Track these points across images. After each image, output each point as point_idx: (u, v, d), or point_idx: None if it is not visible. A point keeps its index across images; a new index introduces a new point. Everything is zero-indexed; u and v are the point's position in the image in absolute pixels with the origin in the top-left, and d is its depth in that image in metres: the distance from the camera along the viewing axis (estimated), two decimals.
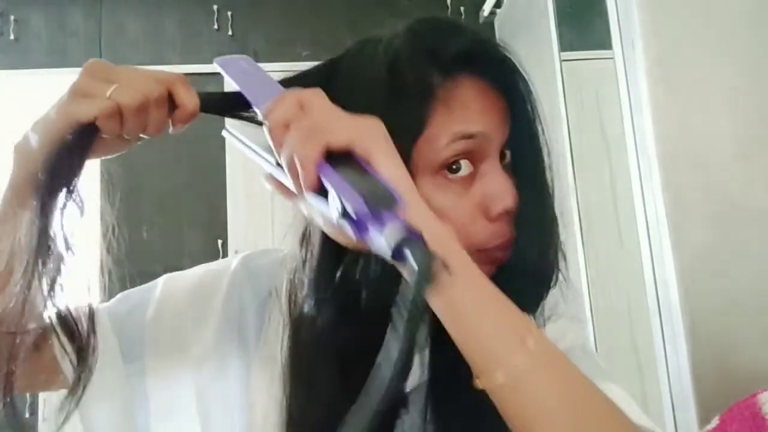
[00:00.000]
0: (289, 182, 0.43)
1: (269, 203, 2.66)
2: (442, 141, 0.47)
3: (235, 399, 0.56)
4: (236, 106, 0.49)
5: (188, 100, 0.46)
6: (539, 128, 0.53)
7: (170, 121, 0.48)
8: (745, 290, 1.11)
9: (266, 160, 0.46)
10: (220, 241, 2.64)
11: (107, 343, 0.58)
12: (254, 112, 0.48)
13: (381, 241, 0.38)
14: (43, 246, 0.44)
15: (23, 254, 0.45)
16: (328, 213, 0.41)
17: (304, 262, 0.53)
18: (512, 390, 0.39)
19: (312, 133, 0.41)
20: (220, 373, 0.57)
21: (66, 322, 0.51)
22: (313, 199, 0.42)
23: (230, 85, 0.51)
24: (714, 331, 1.11)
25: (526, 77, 0.52)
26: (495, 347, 0.40)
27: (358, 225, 0.40)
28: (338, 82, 0.50)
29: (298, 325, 0.54)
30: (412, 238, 0.37)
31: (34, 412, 2.40)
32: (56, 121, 0.46)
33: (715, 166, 1.18)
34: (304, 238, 0.54)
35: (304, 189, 0.41)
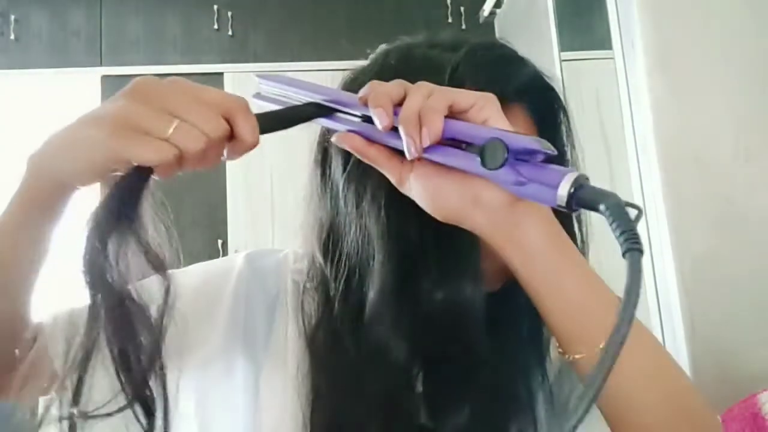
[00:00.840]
0: (396, 141, 0.43)
1: (269, 203, 2.66)
2: None
3: (241, 401, 0.56)
4: (290, 121, 0.47)
5: (249, 133, 0.41)
6: (570, 155, 0.55)
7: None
8: (745, 290, 1.11)
9: (347, 118, 0.46)
10: (220, 241, 2.64)
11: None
12: (308, 120, 0.47)
13: (552, 187, 0.38)
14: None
15: (25, 268, 0.45)
16: (463, 165, 0.41)
17: (334, 276, 0.53)
18: (585, 369, 0.42)
19: (436, 92, 0.42)
20: (227, 375, 0.57)
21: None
22: (436, 155, 0.42)
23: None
24: (714, 332, 1.11)
25: (566, 108, 0.55)
26: (585, 323, 0.42)
27: (517, 173, 0.40)
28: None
29: (318, 340, 0.53)
30: (586, 184, 0.38)
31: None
32: (105, 159, 0.40)
33: (715, 166, 1.18)
34: (328, 249, 0.54)
35: (428, 140, 0.41)
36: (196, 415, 0.56)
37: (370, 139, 0.45)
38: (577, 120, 0.56)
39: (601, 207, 0.36)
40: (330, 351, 0.51)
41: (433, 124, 0.40)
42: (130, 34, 2.86)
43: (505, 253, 0.44)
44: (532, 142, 0.40)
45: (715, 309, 1.12)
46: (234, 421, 0.55)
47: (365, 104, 0.44)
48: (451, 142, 0.42)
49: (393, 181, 0.46)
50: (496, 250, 0.44)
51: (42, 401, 0.54)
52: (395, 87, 0.43)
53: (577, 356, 0.42)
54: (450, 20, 2.86)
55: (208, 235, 2.65)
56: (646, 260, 1.27)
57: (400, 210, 0.48)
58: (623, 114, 1.35)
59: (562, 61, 1.85)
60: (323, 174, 0.55)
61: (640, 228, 1.32)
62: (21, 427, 0.49)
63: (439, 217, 0.45)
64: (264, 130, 0.43)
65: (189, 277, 0.62)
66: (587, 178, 0.39)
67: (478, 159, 0.40)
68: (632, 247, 0.32)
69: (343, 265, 0.52)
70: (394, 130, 0.43)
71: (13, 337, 0.50)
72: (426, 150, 0.42)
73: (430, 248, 0.48)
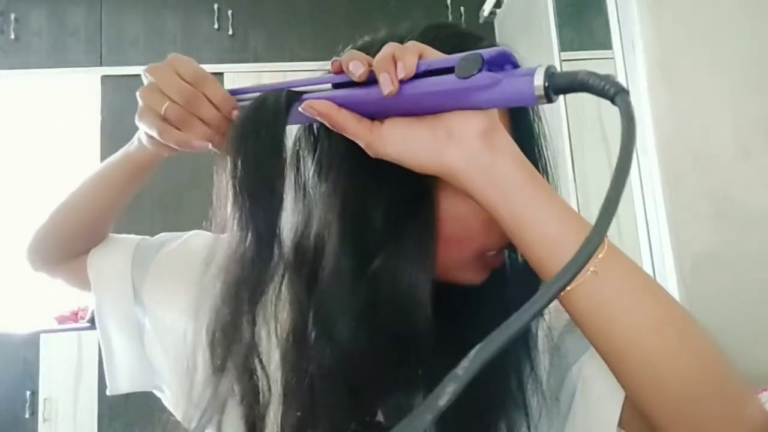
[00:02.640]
0: (368, 91, 0.44)
1: None
2: None
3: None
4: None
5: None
6: (542, 137, 0.54)
7: None
8: (745, 290, 1.11)
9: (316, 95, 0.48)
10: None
11: (124, 269, 0.65)
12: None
13: (527, 81, 0.41)
14: None
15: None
16: (440, 85, 0.43)
17: (301, 268, 0.53)
18: (586, 297, 0.42)
19: (407, 43, 0.44)
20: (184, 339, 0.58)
21: None
22: (412, 87, 0.43)
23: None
24: (713, 331, 1.11)
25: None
26: (566, 252, 0.41)
27: (493, 76, 0.42)
28: None
29: (286, 336, 0.52)
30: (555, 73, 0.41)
31: (33, 412, 2.40)
32: None
33: (714, 165, 1.18)
34: (299, 250, 0.54)
35: (404, 72, 0.42)
36: (175, 360, 0.59)
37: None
38: (578, 120, 0.55)
39: (579, 79, 0.40)
40: (296, 346, 0.51)
41: (407, 59, 0.42)
42: (130, 34, 2.86)
43: (481, 188, 0.43)
44: (502, 50, 0.42)
45: (715, 308, 1.12)
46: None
47: (338, 70, 0.46)
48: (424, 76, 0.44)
49: (363, 144, 0.46)
50: (471, 189, 0.44)
51: None
52: (364, 54, 0.45)
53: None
54: (450, 20, 2.86)
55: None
56: (646, 260, 1.27)
57: (359, 194, 0.48)
58: None
59: (562, 61, 1.85)
60: (296, 175, 0.54)
61: (640, 229, 1.31)
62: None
63: (416, 166, 0.45)
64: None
65: (207, 237, 0.67)
66: (555, 69, 0.41)
67: (454, 75, 0.42)
68: (619, 89, 0.38)
69: (309, 258, 0.51)
70: (365, 85, 0.44)
71: (90, 239, 0.67)
72: (402, 87, 0.43)
73: (386, 234, 0.48)
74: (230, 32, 2.86)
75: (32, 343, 2.42)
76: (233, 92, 0.52)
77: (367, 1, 2.88)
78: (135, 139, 0.60)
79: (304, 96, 0.48)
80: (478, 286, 0.53)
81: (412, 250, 0.47)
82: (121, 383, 0.66)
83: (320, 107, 0.46)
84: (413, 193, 0.47)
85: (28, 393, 2.40)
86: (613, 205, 0.33)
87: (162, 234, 0.69)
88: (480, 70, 0.41)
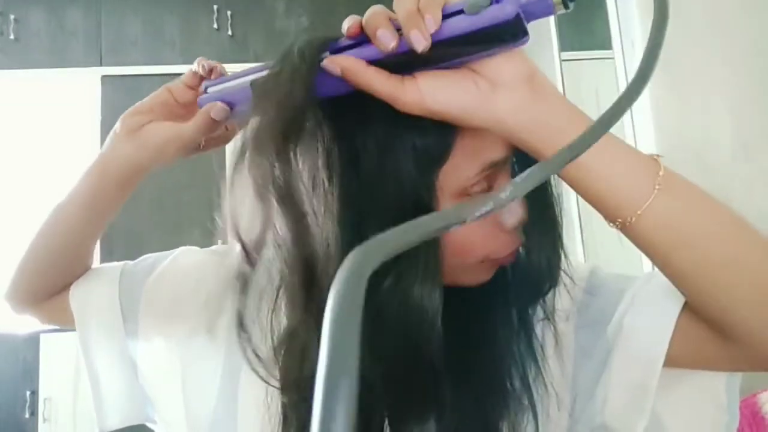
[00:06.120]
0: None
1: None
2: (471, 169, 0.47)
3: (217, 385, 0.56)
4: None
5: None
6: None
7: None
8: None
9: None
10: (220, 242, 2.64)
11: (111, 298, 0.62)
12: None
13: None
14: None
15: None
16: (471, 23, 0.41)
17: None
18: (648, 226, 0.43)
19: None
20: (204, 356, 0.57)
21: None
22: (443, 32, 0.41)
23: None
24: None
25: None
26: (627, 190, 0.43)
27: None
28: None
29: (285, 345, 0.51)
30: None
31: (33, 412, 2.40)
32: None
33: (715, 165, 1.18)
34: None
35: (433, 27, 0.40)
36: (182, 388, 0.57)
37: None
38: None
39: None
40: (298, 357, 0.49)
41: (434, 12, 0.40)
42: (130, 34, 2.86)
43: (526, 137, 0.43)
44: None
45: None
46: (211, 401, 0.56)
47: (354, 35, 0.43)
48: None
49: (395, 100, 0.43)
50: (519, 138, 0.43)
51: None
52: (379, 8, 0.43)
53: (620, 221, 0.43)
54: None
55: (208, 235, 2.64)
56: (647, 260, 1.26)
57: (358, 210, 0.46)
58: None
59: (562, 61, 1.85)
60: (293, 186, 0.52)
61: None
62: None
63: (463, 119, 0.43)
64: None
65: (199, 254, 0.65)
66: None
67: (467, 13, 0.41)
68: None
69: (308, 272, 0.49)
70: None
71: (70, 271, 0.64)
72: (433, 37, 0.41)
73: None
74: (229, 32, 2.86)
75: (32, 343, 2.42)
76: (210, 83, 0.53)
77: (367, 2, 2.88)
78: (108, 146, 0.58)
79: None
80: (481, 294, 0.52)
81: (419, 268, 0.46)
82: (110, 419, 0.64)
83: (345, 62, 0.43)
84: (414, 207, 0.46)
85: (28, 393, 2.40)
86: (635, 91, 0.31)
87: (146, 256, 0.66)
88: (491, 3, 0.40)
